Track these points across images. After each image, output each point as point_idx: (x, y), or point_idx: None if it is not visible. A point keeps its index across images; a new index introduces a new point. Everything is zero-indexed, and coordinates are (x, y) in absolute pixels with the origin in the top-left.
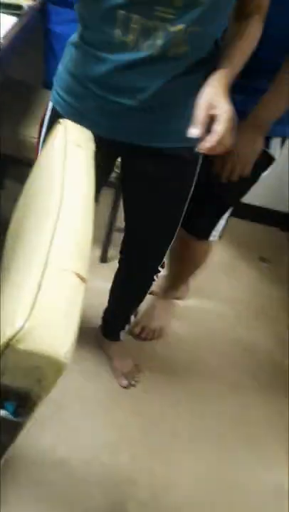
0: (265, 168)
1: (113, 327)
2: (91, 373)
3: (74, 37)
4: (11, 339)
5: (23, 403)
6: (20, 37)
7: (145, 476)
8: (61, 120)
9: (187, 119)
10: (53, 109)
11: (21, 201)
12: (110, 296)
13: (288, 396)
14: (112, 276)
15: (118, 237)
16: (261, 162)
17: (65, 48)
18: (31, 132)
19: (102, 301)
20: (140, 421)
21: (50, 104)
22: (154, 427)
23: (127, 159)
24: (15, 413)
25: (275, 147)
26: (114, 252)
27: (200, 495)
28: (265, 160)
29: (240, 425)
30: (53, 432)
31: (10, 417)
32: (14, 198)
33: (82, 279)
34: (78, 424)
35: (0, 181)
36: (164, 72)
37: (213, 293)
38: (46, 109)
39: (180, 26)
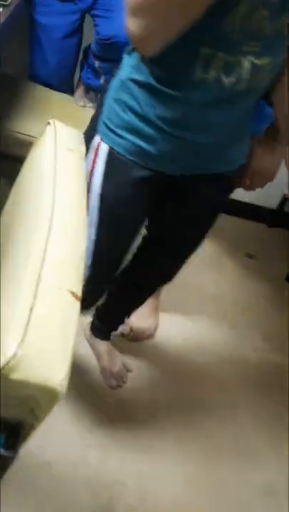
0: None
1: (107, 327)
2: (78, 373)
3: (131, 73)
4: (2, 368)
5: (15, 433)
6: (5, 27)
7: (133, 477)
8: (50, 121)
9: (245, 141)
10: (110, 149)
11: (9, 206)
12: (111, 297)
13: (277, 394)
14: None
15: None
16: None
17: (118, 84)
18: (16, 126)
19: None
20: (128, 421)
21: (105, 147)
22: (142, 427)
23: (189, 188)
24: (5, 445)
25: None
26: None
27: (188, 496)
28: None
29: (229, 424)
30: (40, 433)
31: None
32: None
33: (77, 297)
34: (66, 425)
35: None
36: (241, 105)
37: (200, 290)
38: (92, 148)
39: (266, 59)
